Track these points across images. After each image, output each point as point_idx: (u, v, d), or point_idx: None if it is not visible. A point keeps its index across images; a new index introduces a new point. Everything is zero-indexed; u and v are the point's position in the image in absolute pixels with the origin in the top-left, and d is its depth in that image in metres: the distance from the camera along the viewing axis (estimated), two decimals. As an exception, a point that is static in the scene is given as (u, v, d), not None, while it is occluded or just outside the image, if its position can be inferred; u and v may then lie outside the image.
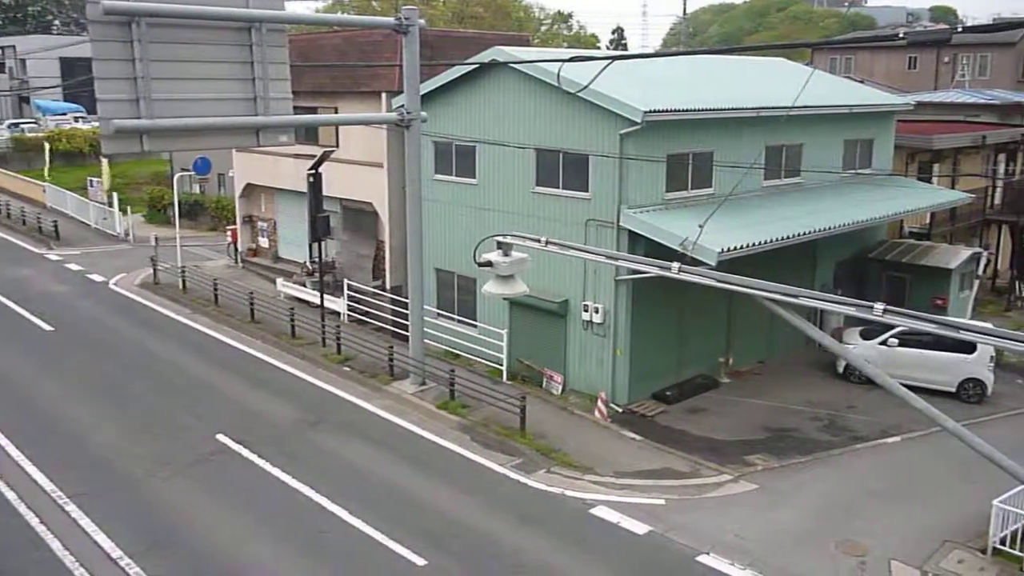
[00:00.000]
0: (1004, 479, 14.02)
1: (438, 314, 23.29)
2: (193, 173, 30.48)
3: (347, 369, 21.50)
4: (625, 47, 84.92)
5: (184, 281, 28.24)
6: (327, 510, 14.52)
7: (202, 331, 24.51)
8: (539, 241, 7.55)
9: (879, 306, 5.41)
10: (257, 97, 15.68)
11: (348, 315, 25.41)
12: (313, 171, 22.43)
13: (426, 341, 21.09)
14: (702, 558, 13.52)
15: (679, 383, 21.11)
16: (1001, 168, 34.91)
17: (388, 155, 24.65)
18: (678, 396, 20.64)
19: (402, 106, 18.97)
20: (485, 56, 21.29)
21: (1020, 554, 13.72)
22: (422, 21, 18.74)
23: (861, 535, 14.50)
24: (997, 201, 33.69)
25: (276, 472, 15.86)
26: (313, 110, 25.80)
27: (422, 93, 19.88)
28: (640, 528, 14.32)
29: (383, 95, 24.24)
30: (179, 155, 38.41)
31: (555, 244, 7.52)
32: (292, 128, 16.97)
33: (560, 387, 20.66)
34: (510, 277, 7.58)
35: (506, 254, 7.57)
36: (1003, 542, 14.00)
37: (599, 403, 19.29)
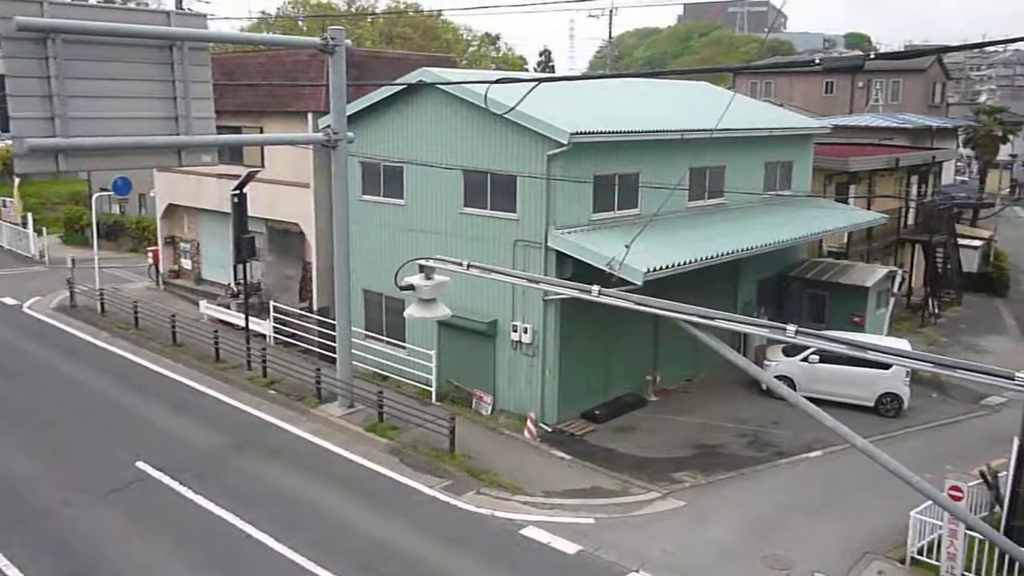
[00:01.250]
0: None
1: (366, 335, 23.07)
2: (112, 193, 29.67)
3: (273, 392, 21.11)
4: (553, 69, 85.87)
5: (103, 304, 27.44)
6: (252, 537, 14.18)
7: (121, 355, 23.81)
8: (461, 264, 7.57)
9: (791, 327, 5.56)
10: (179, 116, 15.38)
11: (274, 337, 25.00)
12: (238, 191, 22.08)
13: (354, 363, 20.87)
14: (631, 576, 13.61)
15: (607, 402, 21.28)
16: (914, 189, 36.27)
17: (315, 175, 24.42)
18: (607, 415, 20.79)
19: (328, 126, 18.83)
20: (412, 77, 21.30)
21: (937, 563, 14.13)
22: (348, 42, 18.66)
23: (786, 549, 14.76)
24: (910, 221, 35.00)
25: (199, 499, 15.44)
26: (238, 130, 25.40)
27: (349, 113, 19.78)
28: (570, 547, 14.34)
29: (309, 115, 24.04)
30: (98, 174, 37.37)
31: (477, 267, 7.54)
32: (215, 148, 16.68)
33: (490, 408, 20.64)
34: (432, 300, 7.59)
35: (428, 277, 7.57)
36: (921, 552, 14.42)
37: (528, 423, 19.32)
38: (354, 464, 17.45)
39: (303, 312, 25.08)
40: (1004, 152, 64.17)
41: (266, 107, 25.71)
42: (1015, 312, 34.10)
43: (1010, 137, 61.20)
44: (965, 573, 13.86)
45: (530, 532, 14.80)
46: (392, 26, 63.21)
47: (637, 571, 13.71)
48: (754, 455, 19.12)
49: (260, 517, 14.75)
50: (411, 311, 7.73)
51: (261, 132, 25.65)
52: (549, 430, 19.75)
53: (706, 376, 23.85)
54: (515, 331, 20.03)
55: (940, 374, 5.56)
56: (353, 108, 21.26)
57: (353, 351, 20.72)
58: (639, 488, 16.97)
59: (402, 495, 16.22)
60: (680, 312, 6.02)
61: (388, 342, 22.73)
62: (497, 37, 73.26)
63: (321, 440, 18.54)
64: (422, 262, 7.57)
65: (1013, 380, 4.70)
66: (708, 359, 23.79)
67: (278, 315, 25.06)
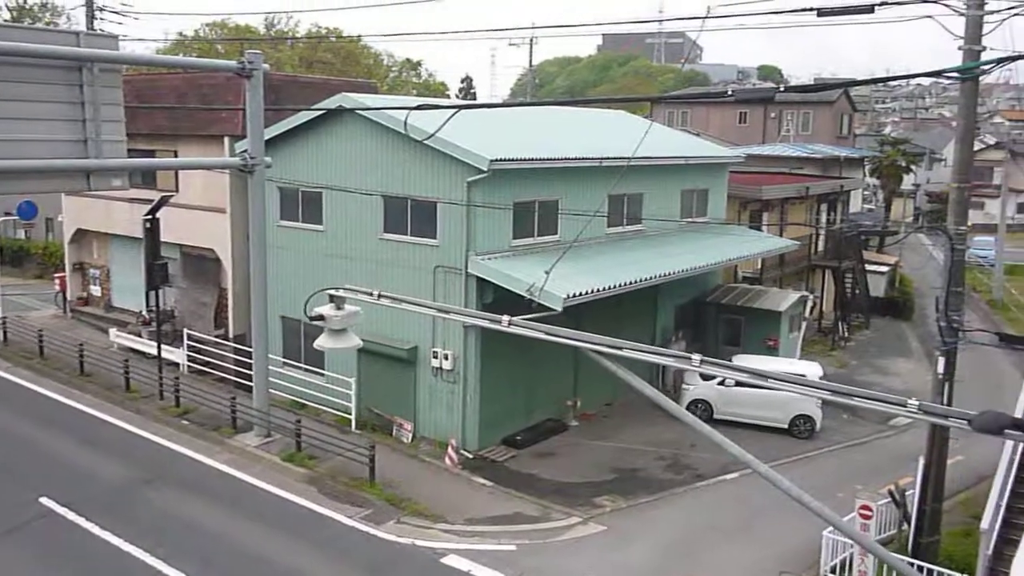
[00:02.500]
0: (833, 511, 14.82)
1: (284, 363, 22.65)
2: (17, 218, 28.61)
3: (186, 423, 20.52)
4: (474, 96, 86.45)
5: (5, 333, 26.36)
6: (163, 573, 13.70)
7: (24, 386, 22.86)
8: (371, 294, 7.52)
9: (696, 357, 5.68)
10: (88, 139, 14.92)
11: (188, 366, 24.35)
12: (150, 216, 21.49)
13: (271, 391, 20.45)
14: (553, 602, 13.58)
15: (529, 427, 21.30)
16: (823, 217, 37.47)
17: (231, 200, 23.97)
18: (528, 440, 20.81)
19: (245, 151, 18.54)
20: (332, 102, 21.17)
21: (848, 581, 14.48)
22: (266, 66, 18.44)
23: (704, 570, 14.94)
24: (820, 248, 36.11)
25: (106, 535, 14.84)
26: (151, 153, 24.80)
27: (267, 138, 19.51)
28: (491, 575, 14.24)
29: (226, 139, 23.62)
30: (2, 198, 36.06)
31: (388, 297, 7.49)
32: (126, 172, 16.21)
33: (410, 435, 20.44)
34: (343, 331, 7.52)
35: (338, 307, 7.51)
36: (833, 570, 14.76)
37: (449, 450, 19.19)
38: (271, 495, 17.05)
39: (218, 339, 24.50)
40: (908, 181, 66.91)
41: (181, 130, 25.17)
42: (919, 335, 35.39)
43: (913, 167, 63.85)
44: (875, 590, 14.23)
45: (451, 560, 14.66)
46: (312, 51, 62.76)
47: (558, 597, 13.69)
48: (673, 478, 19.36)
49: (172, 552, 14.27)
50: (321, 342, 7.65)
51: (176, 156, 25.08)
52: (470, 456, 19.65)
53: (626, 400, 24.07)
54: (436, 357, 19.92)
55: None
56: (271, 132, 21.00)
57: (270, 379, 20.33)
58: (560, 513, 16.99)
59: (320, 526, 15.90)
60: (588, 342, 6.07)
61: (307, 369, 22.36)
62: (419, 63, 73.32)
63: (236, 471, 18.08)
64: (332, 292, 7.50)
65: (905, 407, 4.87)
66: (628, 384, 24.01)
67: (192, 343, 24.43)
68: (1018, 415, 13.33)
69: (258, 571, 13.97)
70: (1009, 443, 14.03)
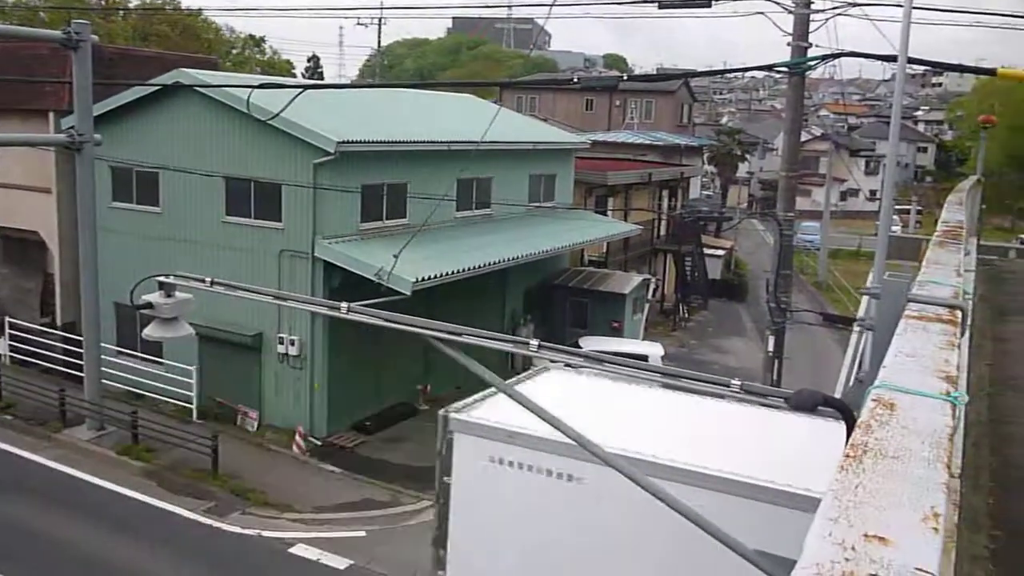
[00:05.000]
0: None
1: (118, 352, 21.49)
2: None
3: (9, 418, 19.22)
4: (321, 76, 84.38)
5: None
6: (-17, 579, 12.83)
7: None
8: (204, 281, 7.20)
9: (534, 342, 5.80)
10: None
11: (10, 356, 22.76)
12: (-35, 196, 19.93)
13: (105, 382, 19.40)
14: (403, 587, 13.56)
15: (378, 412, 21.12)
16: (665, 203, 38.87)
17: (57, 180, 22.49)
18: (377, 426, 20.63)
19: (72, 127, 17.45)
20: (168, 78, 20.18)
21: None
22: (95, 37, 17.42)
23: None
24: (662, 232, 37.46)
25: (-83, 541, 13.76)
26: (-35, 128, 22.95)
27: (97, 114, 18.44)
28: (340, 563, 14.08)
29: (51, 115, 22.12)
30: None
31: (221, 284, 7.20)
32: (-64, 147, 14.96)
33: (256, 423, 19.88)
34: (174, 319, 7.19)
35: (168, 295, 7.17)
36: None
37: (297, 437, 18.80)
38: (106, 491, 16.21)
39: (45, 328, 23.01)
40: (743, 169, 70.37)
41: (0, 104, 23.37)
42: (753, 315, 37.35)
43: (747, 156, 67.20)
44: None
45: (299, 550, 14.40)
46: (148, 23, 59.57)
47: (409, 581, 13.68)
48: (522, 459, 19.65)
49: (-7, 556, 13.37)
50: (150, 331, 7.28)
51: (-7, 131, 23.28)
52: (319, 444, 19.32)
53: (476, 384, 24.17)
54: (281, 343, 19.44)
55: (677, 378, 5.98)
56: (102, 108, 19.81)
57: (104, 369, 19.29)
58: (410, 498, 16.97)
59: (160, 521, 15.26)
60: (429, 329, 6.07)
61: (144, 358, 21.30)
62: (262, 40, 70.74)
63: (67, 467, 17.09)
64: (161, 278, 7.15)
65: (729, 387, 5.12)
66: (469, 370, 24.19)
67: (14, 332, 22.84)
68: (839, 389, 14.29)
69: (93, 573, 13.26)
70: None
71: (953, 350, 2.76)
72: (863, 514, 1.56)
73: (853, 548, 1.43)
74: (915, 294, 3.59)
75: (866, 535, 1.47)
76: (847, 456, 1.80)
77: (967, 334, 7.60)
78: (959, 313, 3.32)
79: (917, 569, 1.38)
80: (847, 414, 3.89)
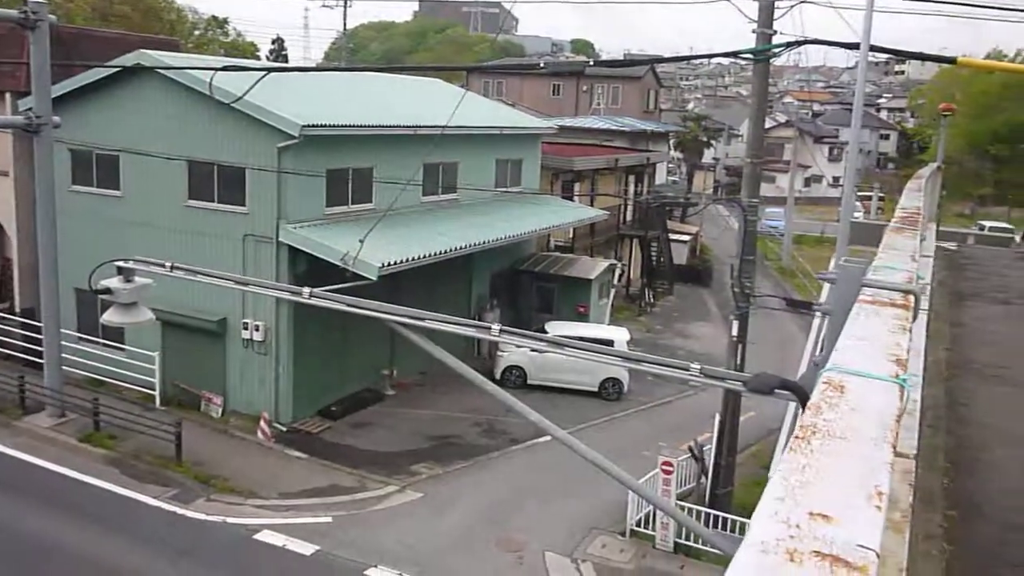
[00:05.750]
0: (640, 468, 15.61)
1: (79, 338, 21.20)
2: None
3: (-33, 404, 18.91)
4: (286, 59, 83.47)
5: None
6: (-59, 568, 12.65)
7: None
8: (164, 266, 7.14)
9: (496, 327, 5.83)
10: None
11: (-32, 343, 22.36)
12: (-81, 179, 19.51)
13: (65, 368, 19.16)
14: (370, 572, 13.58)
15: (344, 398, 21.06)
16: (631, 188, 39.01)
17: (15, 163, 22.06)
18: (343, 411, 20.58)
19: (30, 109, 17.14)
20: (129, 59, 19.85)
21: (652, 533, 15.35)
22: (53, 17, 17.10)
23: (518, 532, 15.38)
24: (628, 218, 37.61)
25: None
26: (-81, 109, 22.45)
27: (55, 96, 18.14)
28: (307, 549, 14.07)
29: (7, 95, 21.68)
30: None
31: (181, 269, 7.15)
32: None
33: (220, 409, 19.74)
34: (133, 305, 7.12)
35: (128, 280, 7.09)
36: (639, 524, 15.60)
37: (262, 423, 18.70)
38: (67, 479, 16.03)
39: (2, 314, 22.63)
40: (708, 155, 70.77)
41: (-46, 85, 22.88)
42: (718, 300, 37.66)
43: (713, 142, 67.59)
44: (676, 540, 15.16)
45: (264, 536, 14.36)
46: (109, 4, 58.49)
47: (375, 566, 13.72)
48: (488, 443, 19.74)
49: (-49, 545, 13.18)
50: (109, 316, 7.20)
51: (-52, 113, 22.80)
52: (284, 429, 19.23)
53: (442, 369, 24.12)
54: (246, 329, 19.30)
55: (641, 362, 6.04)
56: (60, 90, 19.48)
57: (64, 355, 19.04)
58: (376, 483, 16.98)
59: (123, 509, 15.14)
60: (391, 314, 6.08)
61: (105, 344, 21.05)
62: (225, 21, 69.69)
63: (26, 455, 16.86)
64: (120, 263, 7.07)
65: (689, 371, 5.18)
66: (444, 351, 24.18)
67: (-27, 318, 22.44)
68: (801, 372, 14.48)
69: (54, 564, 13.12)
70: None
71: (905, 334, 2.82)
72: (809, 493, 1.59)
73: (798, 526, 1.46)
74: (869, 279, 3.65)
75: (811, 513, 1.51)
76: (796, 437, 1.84)
77: (925, 319, 7.74)
78: (912, 298, 3.38)
79: (860, 546, 1.42)
80: (803, 397, 3.96)
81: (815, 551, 1.37)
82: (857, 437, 1.87)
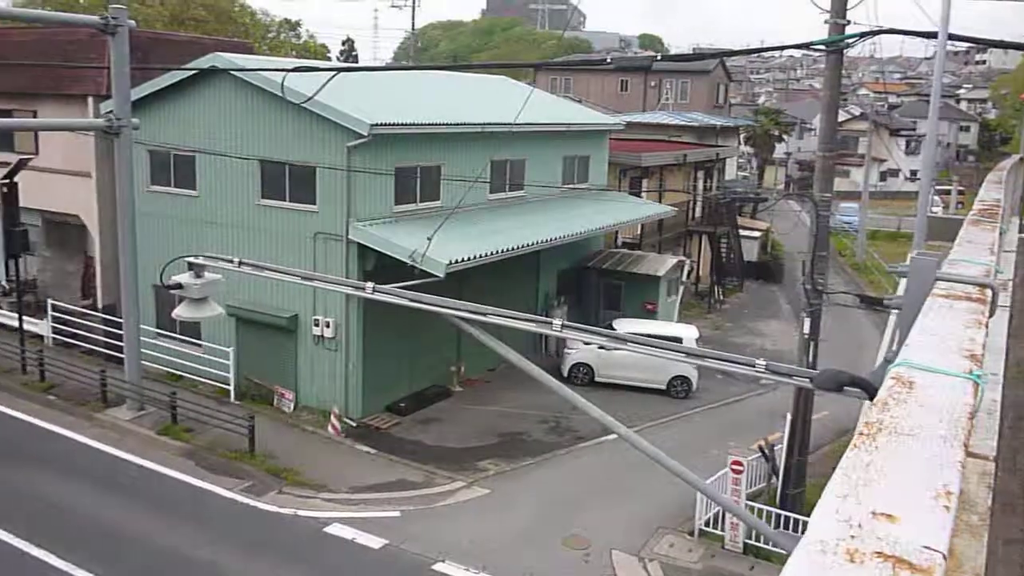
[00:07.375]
0: (707, 467, 15.43)
1: (157, 334, 21.84)
2: None
3: (52, 398, 19.63)
4: (356, 59, 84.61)
5: None
6: (29, 555, 13.13)
7: None
8: (232, 262, 7.29)
9: (557, 322, 5.79)
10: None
11: (53, 338, 23.21)
12: (7, 180, 20.28)
13: (144, 363, 19.74)
14: (437, 566, 13.68)
15: (412, 394, 21.26)
16: (700, 184, 38.50)
17: (97, 164, 22.81)
18: (412, 407, 20.78)
19: (111, 112, 17.69)
20: (204, 62, 20.35)
21: (721, 533, 15.14)
22: (132, 22, 17.58)
23: (585, 529, 15.32)
24: (697, 214, 37.15)
25: (-35, 518, 14.13)
26: (8, 113, 23.36)
27: (134, 99, 18.68)
28: (375, 542, 14.24)
29: (90, 99, 22.43)
30: None
31: (249, 265, 7.29)
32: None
33: (292, 404, 20.12)
34: (203, 299, 7.29)
35: (198, 275, 7.26)
36: (707, 524, 15.39)
37: (332, 418, 19.00)
38: (145, 470, 16.54)
39: (86, 310, 23.44)
40: (780, 150, 69.48)
41: (41, 89, 23.72)
42: (788, 297, 36.95)
43: (785, 136, 66.31)
44: (746, 540, 14.93)
45: (334, 529, 14.58)
46: (184, 8, 60.04)
47: (443, 560, 13.82)
48: (555, 440, 19.71)
49: (36, 533, 13.68)
50: (180, 311, 7.39)
51: (35, 116, 23.69)
52: (354, 425, 19.51)
53: (509, 365, 24.24)
54: (317, 325, 19.62)
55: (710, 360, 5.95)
56: (139, 93, 20.06)
57: (143, 351, 19.62)
58: (444, 478, 17.10)
59: (199, 500, 15.54)
60: (452, 309, 6.10)
61: (182, 340, 21.63)
62: (298, 24, 70.99)
63: (108, 446, 17.45)
64: (191, 259, 7.25)
65: (754, 367, 5.08)
66: (511, 347, 24.23)
67: (57, 314, 23.29)
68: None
69: (133, 551, 13.55)
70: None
71: (980, 328, 2.71)
72: (873, 492, 1.54)
73: (860, 525, 1.41)
74: (943, 272, 3.53)
75: (874, 512, 1.45)
76: (860, 434, 1.78)
77: (1007, 316, 7.46)
78: (989, 292, 3.26)
79: (925, 547, 1.36)
80: (872, 393, 3.85)
81: (877, 551, 1.32)
82: (925, 434, 1.80)
